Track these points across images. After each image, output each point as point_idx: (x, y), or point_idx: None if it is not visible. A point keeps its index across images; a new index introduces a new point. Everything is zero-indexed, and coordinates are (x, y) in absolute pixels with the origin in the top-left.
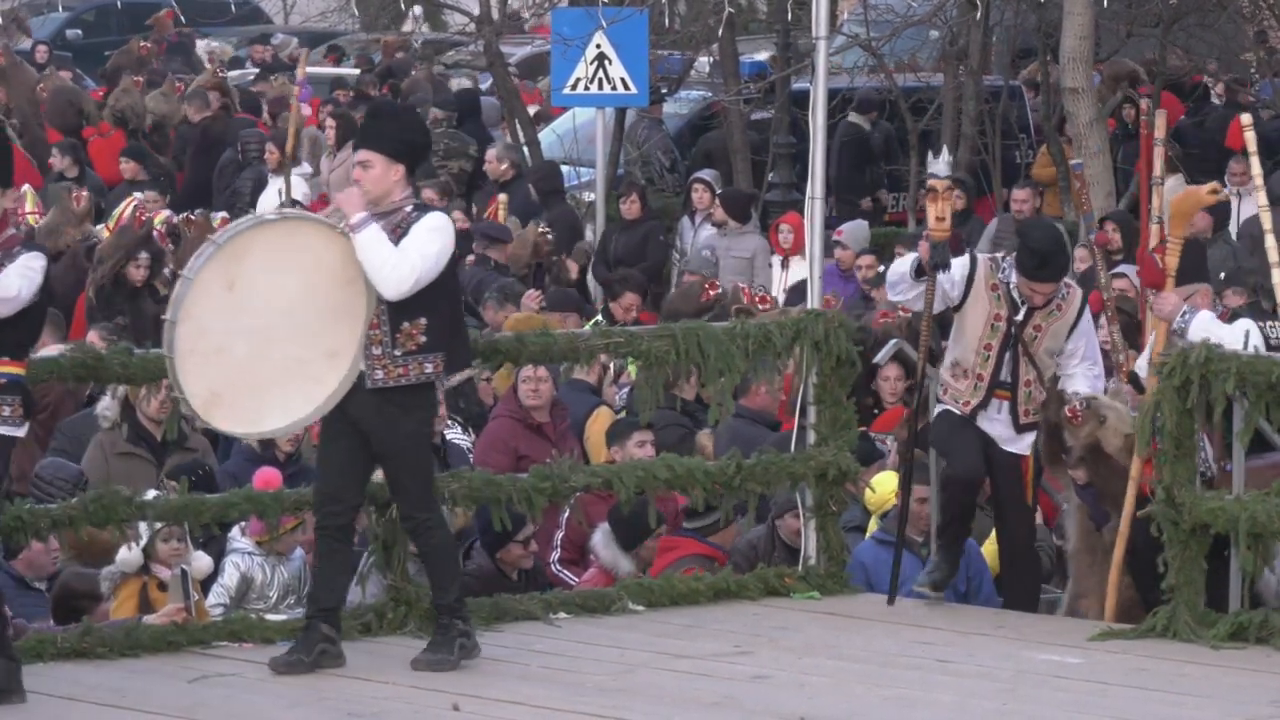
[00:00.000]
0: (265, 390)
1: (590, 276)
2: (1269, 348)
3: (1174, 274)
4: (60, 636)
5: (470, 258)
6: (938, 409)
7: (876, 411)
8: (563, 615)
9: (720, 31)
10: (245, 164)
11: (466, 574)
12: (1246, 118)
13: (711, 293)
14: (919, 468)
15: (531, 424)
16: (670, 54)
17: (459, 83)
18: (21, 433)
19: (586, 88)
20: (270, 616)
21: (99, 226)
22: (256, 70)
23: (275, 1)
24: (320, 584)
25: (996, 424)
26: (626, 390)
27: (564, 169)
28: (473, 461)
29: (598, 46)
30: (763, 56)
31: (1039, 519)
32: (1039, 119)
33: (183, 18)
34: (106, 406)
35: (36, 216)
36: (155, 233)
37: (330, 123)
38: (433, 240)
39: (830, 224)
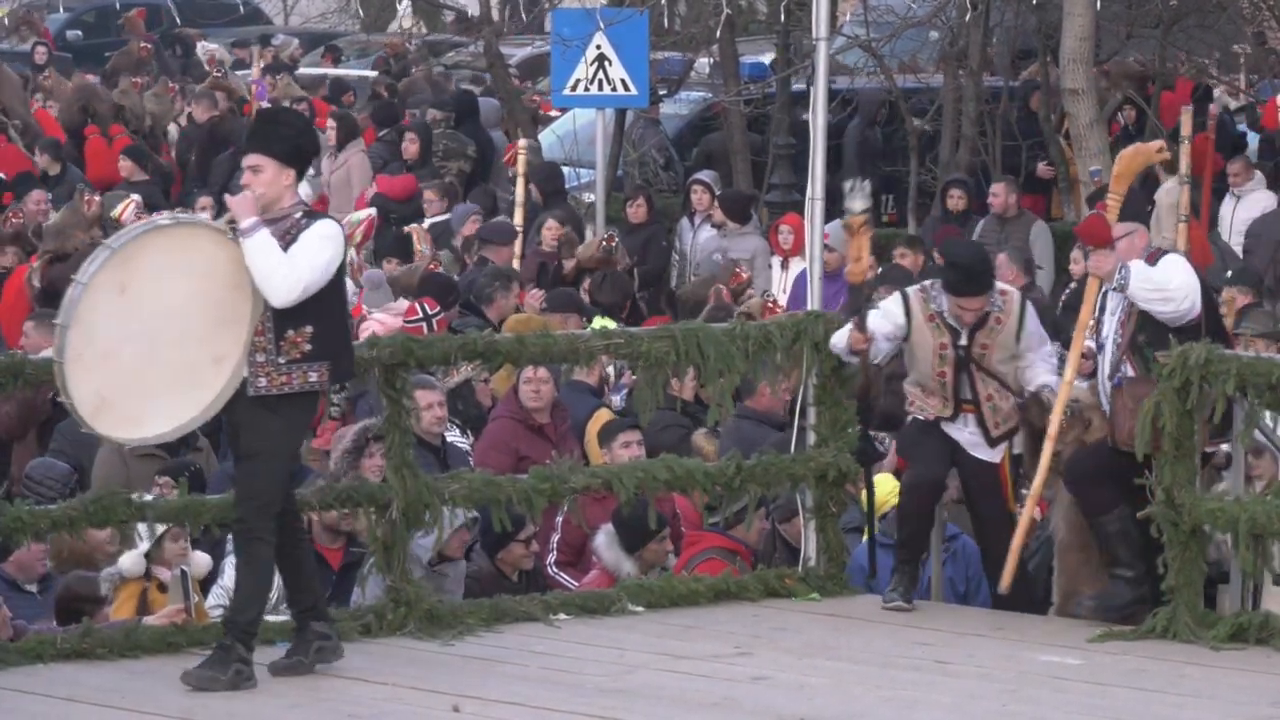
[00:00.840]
0: (152, 395)
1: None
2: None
3: (1115, 231)
4: (60, 637)
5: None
6: (908, 417)
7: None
8: (563, 616)
9: (720, 32)
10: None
11: (467, 575)
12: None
13: (744, 276)
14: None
15: (532, 425)
16: (670, 55)
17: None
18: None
19: (586, 89)
20: (270, 617)
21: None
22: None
23: (275, 2)
24: (292, 587)
25: (964, 433)
26: (625, 392)
27: (564, 170)
28: (473, 462)
29: (598, 47)
30: (766, 59)
31: (1037, 517)
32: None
33: (178, 19)
34: None
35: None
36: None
37: (331, 123)
38: (323, 248)
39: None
